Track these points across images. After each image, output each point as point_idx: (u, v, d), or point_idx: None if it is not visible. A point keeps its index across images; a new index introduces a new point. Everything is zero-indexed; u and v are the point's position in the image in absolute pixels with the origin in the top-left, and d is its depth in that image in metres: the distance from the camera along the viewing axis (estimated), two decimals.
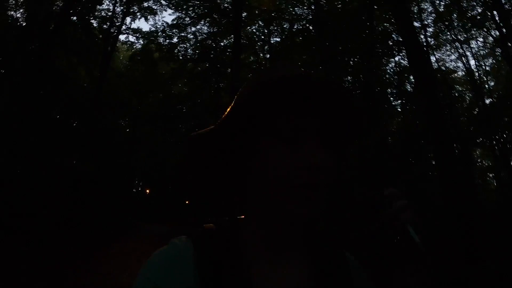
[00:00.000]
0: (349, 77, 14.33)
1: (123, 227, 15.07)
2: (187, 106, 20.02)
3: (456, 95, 21.65)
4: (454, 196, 5.23)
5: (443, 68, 20.37)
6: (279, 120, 0.54)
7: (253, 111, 0.55)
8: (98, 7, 15.98)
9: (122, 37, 18.93)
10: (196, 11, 15.82)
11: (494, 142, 17.86)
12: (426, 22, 16.74)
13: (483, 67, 20.42)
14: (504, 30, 8.81)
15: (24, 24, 13.72)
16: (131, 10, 17.49)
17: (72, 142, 13.94)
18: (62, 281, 5.20)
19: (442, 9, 15.32)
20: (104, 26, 16.62)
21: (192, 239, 0.56)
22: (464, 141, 17.57)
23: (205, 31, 16.80)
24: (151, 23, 51.91)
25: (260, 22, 16.43)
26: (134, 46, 19.19)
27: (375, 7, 12.09)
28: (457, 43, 18.33)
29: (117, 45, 18.83)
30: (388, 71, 15.87)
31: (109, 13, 16.89)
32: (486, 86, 20.62)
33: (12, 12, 14.62)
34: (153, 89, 19.81)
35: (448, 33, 17.12)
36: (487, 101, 19.50)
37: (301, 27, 15.04)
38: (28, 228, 8.68)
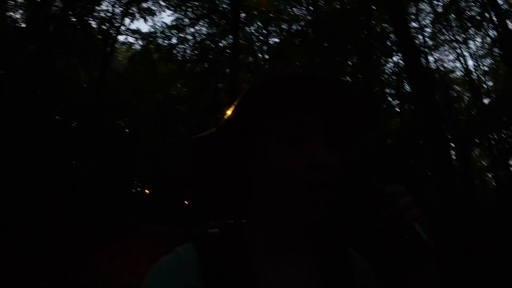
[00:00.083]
0: (347, 78, 14.38)
1: (123, 227, 15.09)
2: (186, 107, 20.08)
3: (455, 95, 21.73)
4: (448, 196, 5.27)
5: (441, 68, 20.43)
6: (283, 119, 0.53)
7: (256, 111, 0.55)
8: (97, 8, 16.03)
9: (121, 38, 19.02)
10: (195, 12, 15.89)
11: (493, 142, 17.88)
12: (424, 23, 16.85)
13: (482, 67, 20.50)
14: (504, 29, 8.89)
15: (23, 25, 13.78)
16: (130, 11, 17.56)
17: (71, 142, 13.98)
18: (63, 280, 5.23)
19: (441, 10, 15.41)
20: (103, 27, 16.68)
21: (196, 246, 0.54)
22: (462, 141, 17.62)
23: (204, 32, 16.89)
24: (150, 24, 51.95)
25: (259, 23, 16.48)
26: (133, 47, 19.26)
27: (373, 7, 12.13)
28: (455, 43, 18.41)
29: (116, 45, 18.87)
30: (387, 71, 15.95)
31: (108, 14, 16.96)
32: (485, 86, 20.70)
33: (11, 13, 14.67)
34: (152, 90, 19.85)
35: (446, 33, 17.20)
36: (486, 101, 19.58)
37: (299, 27, 15.09)
38: (28, 228, 8.71)
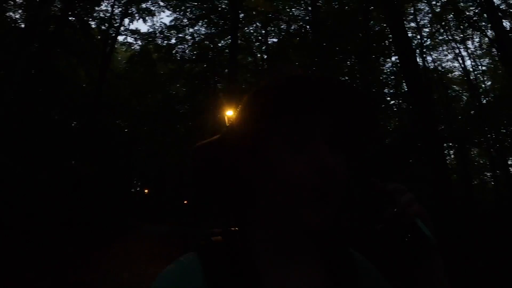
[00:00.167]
0: (346, 77, 14.42)
1: (123, 227, 15.12)
2: (186, 107, 20.10)
3: (453, 94, 21.76)
4: (442, 195, 5.31)
5: (439, 68, 20.47)
6: (285, 121, 0.53)
7: (260, 116, 0.54)
8: (97, 8, 16.06)
9: (120, 38, 19.02)
10: (194, 12, 15.92)
11: (491, 142, 17.91)
12: (422, 23, 16.89)
13: (480, 66, 20.54)
14: (500, 30, 8.93)
15: (23, 26, 13.81)
16: (129, 12, 17.58)
17: (71, 142, 14.01)
18: (64, 279, 5.28)
19: (439, 10, 15.44)
20: (103, 27, 16.70)
21: (200, 255, 0.53)
22: (461, 141, 17.66)
23: (203, 32, 16.92)
24: (149, 24, 51.81)
25: (258, 23, 16.51)
26: (133, 47, 19.27)
27: (371, 8, 12.19)
28: (453, 43, 18.45)
29: (116, 46, 18.89)
30: (385, 71, 15.97)
31: (108, 14, 16.99)
32: (483, 85, 20.73)
33: (11, 13, 14.71)
34: (152, 90, 19.88)
35: (445, 33, 17.23)
36: (484, 101, 19.60)
37: (298, 27, 15.13)
38: (28, 228, 8.74)
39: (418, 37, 16.74)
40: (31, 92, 12.23)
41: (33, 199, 10.00)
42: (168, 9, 17.09)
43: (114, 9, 16.98)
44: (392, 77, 15.74)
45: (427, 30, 17.07)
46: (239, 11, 14.18)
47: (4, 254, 6.15)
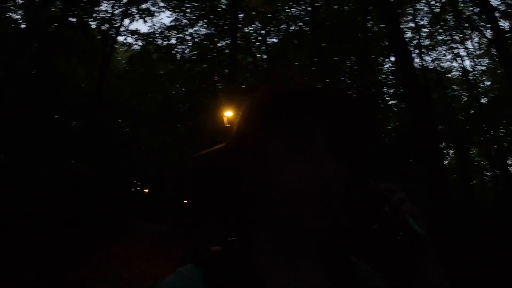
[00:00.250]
0: (345, 78, 14.47)
1: (122, 227, 15.15)
2: (185, 107, 20.12)
3: (453, 94, 21.77)
4: (439, 195, 5.33)
5: (438, 68, 20.47)
6: (286, 130, 0.53)
7: (262, 123, 0.54)
8: (97, 9, 16.08)
9: (120, 39, 19.04)
10: (194, 12, 15.95)
11: (489, 143, 17.92)
12: (421, 23, 16.91)
13: (479, 66, 20.55)
14: (497, 31, 8.97)
15: (24, 26, 13.84)
16: (129, 12, 17.60)
17: (71, 142, 14.04)
18: (64, 279, 5.32)
19: (438, 10, 15.47)
20: (103, 27, 16.72)
21: (200, 266, 0.52)
22: (460, 141, 17.69)
23: (203, 32, 16.95)
24: (149, 25, 51.79)
25: (257, 23, 16.52)
26: (133, 47, 19.30)
27: (370, 8, 12.21)
28: (452, 44, 18.47)
29: (116, 46, 18.91)
30: (385, 71, 16.00)
31: (108, 14, 17.01)
32: (482, 85, 20.75)
33: (12, 14, 14.74)
34: (151, 90, 19.91)
35: (444, 33, 17.25)
36: (484, 101, 19.63)
37: (297, 28, 15.15)
38: (29, 228, 8.78)
39: (417, 37, 16.76)
40: (31, 92, 12.27)
41: (33, 199, 10.03)
42: (168, 10, 17.14)
43: (114, 9, 17.00)
44: (392, 77, 15.78)
45: (426, 30, 17.10)
46: (239, 12, 14.21)
47: (4, 254, 6.19)
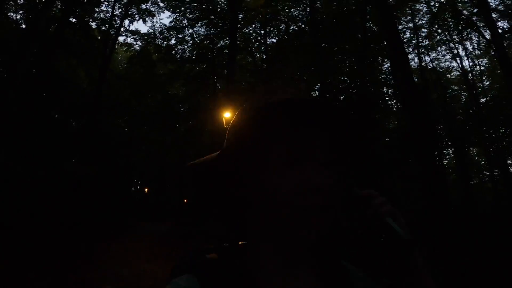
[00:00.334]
0: (345, 77, 14.47)
1: (122, 226, 15.18)
2: (185, 107, 20.16)
3: (453, 94, 21.79)
4: (434, 196, 5.35)
5: (438, 68, 20.50)
6: (280, 143, 0.54)
7: (254, 137, 0.55)
8: (97, 9, 16.10)
9: (121, 39, 19.02)
10: (193, 13, 15.96)
11: (488, 143, 17.93)
12: (421, 23, 16.93)
13: (478, 66, 20.58)
14: (495, 32, 9.01)
15: (24, 27, 13.88)
16: (130, 12, 17.62)
17: (71, 142, 14.07)
18: (65, 277, 5.36)
19: (437, 10, 15.47)
20: (103, 28, 16.75)
21: (198, 276, 0.52)
22: (459, 140, 17.70)
23: (202, 33, 16.97)
24: (149, 25, 51.79)
25: (257, 23, 16.54)
26: (133, 48, 19.33)
27: (369, 9, 12.23)
28: (451, 44, 18.49)
29: (116, 46, 18.92)
30: (384, 71, 16.00)
31: (108, 15, 17.04)
32: (481, 85, 20.76)
33: (12, 14, 14.76)
34: (151, 90, 19.94)
35: (443, 33, 17.26)
36: (483, 100, 19.65)
37: (297, 28, 15.16)
38: (30, 228, 8.81)
39: (415, 37, 16.78)
40: (31, 92, 12.31)
41: (33, 199, 10.06)
42: (168, 10, 17.17)
43: (114, 10, 17.03)
44: (391, 77, 15.76)
45: (425, 30, 17.12)
46: (238, 13, 14.23)
47: (4, 254, 6.22)
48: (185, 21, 16.33)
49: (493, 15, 13.26)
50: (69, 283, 5.13)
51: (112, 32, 17.02)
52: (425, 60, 20.07)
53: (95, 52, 15.81)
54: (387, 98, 16.33)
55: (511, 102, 14.47)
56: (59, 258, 6.62)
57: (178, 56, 17.10)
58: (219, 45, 16.87)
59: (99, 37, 16.55)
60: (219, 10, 15.35)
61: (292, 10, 15.33)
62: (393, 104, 16.81)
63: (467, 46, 18.97)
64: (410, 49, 16.86)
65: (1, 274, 5.11)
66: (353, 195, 0.57)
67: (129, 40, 19.42)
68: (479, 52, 19.10)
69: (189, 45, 17.17)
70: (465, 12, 14.27)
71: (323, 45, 13.15)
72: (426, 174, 5.39)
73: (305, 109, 0.53)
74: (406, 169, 12.57)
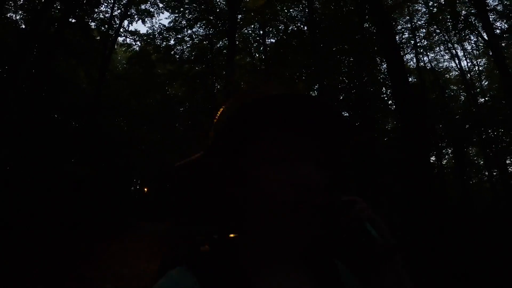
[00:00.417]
0: (344, 77, 14.50)
1: (122, 226, 15.20)
2: (184, 107, 20.20)
3: (451, 94, 21.81)
4: (421, 196, 5.39)
5: (436, 68, 20.53)
6: (267, 140, 0.54)
7: (240, 134, 0.54)
8: (96, 10, 16.13)
9: (120, 39, 19.04)
10: (192, 14, 16.00)
11: (487, 142, 17.95)
12: (420, 23, 16.97)
13: (477, 67, 20.62)
14: (491, 33, 9.06)
15: (24, 27, 13.91)
16: (129, 13, 17.65)
17: (71, 142, 14.10)
18: (65, 276, 5.41)
19: (435, 10, 15.52)
20: (102, 28, 16.78)
21: (192, 268, 0.52)
22: (457, 140, 17.71)
23: (201, 33, 17.01)
24: (148, 25, 51.78)
25: (256, 24, 16.57)
26: (132, 48, 19.37)
27: (367, 9, 12.27)
28: (449, 44, 18.52)
29: (115, 47, 18.96)
30: (383, 71, 16.03)
31: (107, 15, 17.07)
32: (480, 85, 20.79)
33: (11, 14, 14.79)
34: (151, 90, 19.98)
35: (441, 33, 17.30)
36: (482, 100, 19.68)
37: (296, 28, 15.20)
38: (31, 227, 8.85)
39: (412, 36, 16.81)
40: (31, 92, 12.35)
41: (33, 199, 10.09)
42: (167, 11, 17.19)
43: (113, 10, 17.06)
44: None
45: (424, 30, 17.15)
46: (237, 13, 14.27)
47: (5, 254, 6.27)
48: (184, 22, 16.36)
49: (492, 16, 13.36)
50: (69, 283, 5.17)
51: (111, 33, 17.05)
52: (423, 60, 20.15)
53: (94, 52, 15.84)
54: (386, 98, 16.38)
55: (509, 103, 14.52)
56: (59, 258, 6.67)
57: (177, 56, 17.13)
58: (218, 45, 16.92)
59: (98, 38, 16.57)
60: (218, 10, 15.39)
61: (291, 10, 15.37)
62: (392, 104, 16.86)
63: (466, 46, 19.04)
64: (409, 50, 16.91)
65: (1, 274, 5.15)
66: (340, 199, 0.60)
67: (128, 40, 19.50)
68: (477, 52, 19.14)
69: (188, 45, 17.23)
70: (463, 12, 14.31)
71: (321, 45, 13.18)
72: (418, 175, 5.43)
73: (291, 105, 0.52)
74: (406, 169, 12.59)
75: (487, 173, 21.00)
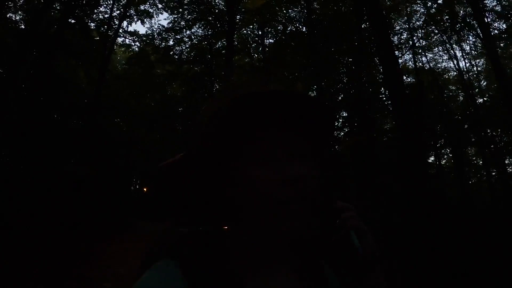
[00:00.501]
0: (342, 77, 14.56)
1: (122, 226, 15.21)
2: (183, 107, 20.24)
3: (450, 94, 21.86)
4: (417, 195, 5.42)
5: (435, 68, 20.55)
6: (253, 137, 0.53)
7: (225, 132, 0.54)
8: (96, 10, 16.16)
9: (119, 40, 19.07)
10: (191, 14, 16.03)
11: (485, 142, 17.99)
12: (418, 23, 17.01)
13: (475, 67, 20.66)
14: (487, 34, 9.09)
15: (23, 27, 13.94)
16: (128, 14, 17.66)
17: (71, 142, 14.13)
18: (66, 275, 5.45)
19: (433, 11, 15.55)
20: (102, 29, 16.80)
21: (179, 260, 0.52)
22: (456, 140, 17.76)
23: (200, 34, 17.05)
24: (147, 26, 51.70)
25: (255, 24, 16.60)
26: (131, 49, 19.40)
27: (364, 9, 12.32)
28: (448, 44, 18.56)
29: (115, 47, 18.98)
30: (381, 71, 16.03)
31: (106, 16, 17.09)
32: (478, 85, 20.83)
33: (11, 14, 14.82)
34: (150, 90, 20.01)
35: (439, 34, 17.33)
36: (480, 100, 19.73)
37: (294, 29, 15.24)
38: (31, 227, 8.88)
39: (412, 38, 16.85)
40: (31, 92, 12.39)
41: (33, 199, 10.12)
42: (166, 11, 17.22)
43: (113, 11, 17.08)
44: None
45: (423, 31, 17.18)
46: (236, 14, 14.30)
47: (5, 254, 6.30)
48: (183, 23, 16.42)
49: (490, 17, 13.40)
50: (69, 282, 5.20)
51: (110, 33, 17.08)
52: (422, 60, 20.20)
53: (94, 52, 15.87)
54: (384, 98, 16.41)
55: (506, 103, 14.56)
56: (59, 257, 6.70)
57: (176, 57, 17.17)
58: (217, 46, 16.95)
59: (97, 38, 16.61)
60: (217, 11, 15.42)
61: (289, 11, 15.40)
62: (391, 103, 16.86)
63: (464, 47, 19.07)
64: (407, 50, 16.96)
65: (1, 274, 5.18)
66: (330, 206, 0.60)
67: (127, 41, 19.51)
68: (475, 53, 19.18)
69: (187, 46, 17.27)
70: (461, 12, 14.35)
71: (320, 45, 13.23)
72: (414, 174, 5.47)
73: (273, 102, 0.52)
74: (403, 169, 12.61)
75: (485, 173, 21.06)
